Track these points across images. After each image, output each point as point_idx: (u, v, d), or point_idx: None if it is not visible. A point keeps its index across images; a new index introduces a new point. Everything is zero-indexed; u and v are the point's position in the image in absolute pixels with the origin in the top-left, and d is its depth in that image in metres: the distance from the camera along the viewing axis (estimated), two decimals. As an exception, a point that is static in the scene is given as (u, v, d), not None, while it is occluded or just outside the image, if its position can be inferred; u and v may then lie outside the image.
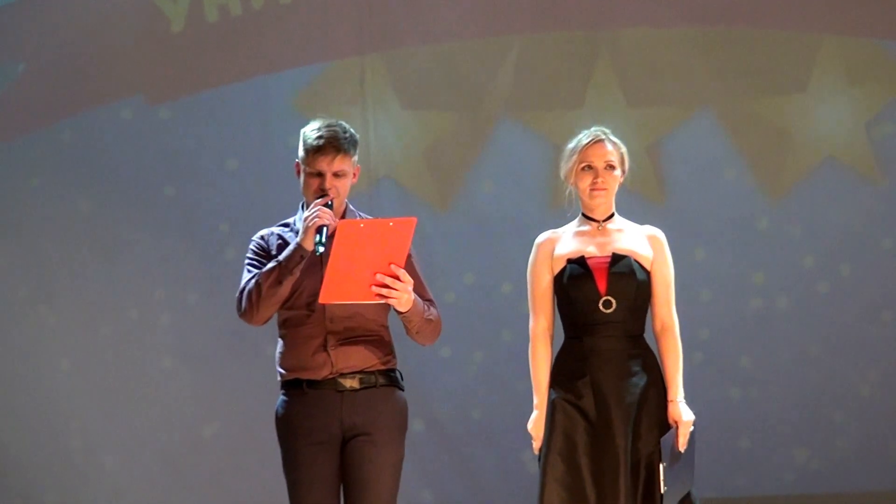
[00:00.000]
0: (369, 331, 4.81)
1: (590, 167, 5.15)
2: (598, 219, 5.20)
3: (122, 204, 8.20)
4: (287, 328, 4.84)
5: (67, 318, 8.19)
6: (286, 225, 4.93)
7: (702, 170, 8.13)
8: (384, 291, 4.60)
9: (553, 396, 5.10)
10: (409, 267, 4.71)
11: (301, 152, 4.82)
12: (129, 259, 8.20)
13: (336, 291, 4.58)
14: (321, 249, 4.62)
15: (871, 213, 8.09)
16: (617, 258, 5.12)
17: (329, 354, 4.77)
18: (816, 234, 8.09)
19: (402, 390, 4.88)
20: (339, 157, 4.77)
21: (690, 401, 5.15)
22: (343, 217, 4.80)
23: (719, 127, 8.15)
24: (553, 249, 5.19)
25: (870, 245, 8.08)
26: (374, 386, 4.80)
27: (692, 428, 5.09)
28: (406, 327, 4.81)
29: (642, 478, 5.00)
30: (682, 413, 5.09)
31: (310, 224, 4.67)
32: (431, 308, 4.84)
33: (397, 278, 4.61)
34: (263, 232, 4.93)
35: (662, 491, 4.97)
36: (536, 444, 5.14)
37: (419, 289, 4.78)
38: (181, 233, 8.20)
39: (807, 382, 8.05)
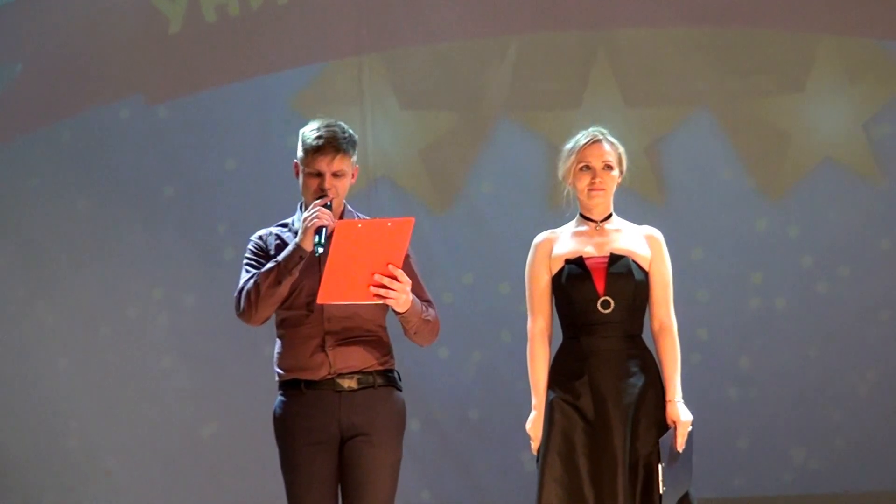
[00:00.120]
0: (367, 331, 4.81)
1: (588, 167, 5.15)
2: (596, 219, 5.20)
3: (121, 204, 8.20)
4: (285, 328, 4.84)
5: (66, 318, 8.18)
6: (284, 225, 4.93)
7: (700, 170, 8.12)
8: (382, 292, 4.60)
9: (551, 396, 5.10)
10: (407, 267, 4.71)
11: (300, 152, 4.82)
12: (127, 259, 8.20)
13: (334, 292, 4.58)
14: (320, 250, 4.62)
15: (870, 213, 8.08)
16: (615, 258, 5.12)
17: (327, 355, 4.77)
18: (815, 234, 8.08)
19: (401, 390, 4.88)
20: (338, 158, 4.78)
21: (689, 401, 5.15)
22: (341, 217, 4.80)
23: (718, 127, 8.14)
24: (551, 249, 5.19)
25: (868, 245, 8.07)
26: (373, 386, 4.80)
27: (690, 428, 5.09)
28: (404, 328, 4.81)
29: (640, 478, 5.00)
30: (681, 413, 5.09)
31: (309, 225, 4.66)
32: (429, 308, 4.84)
33: (395, 278, 4.60)
34: (262, 232, 4.93)
35: (661, 491, 4.97)
36: (535, 444, 5.15)
37: (417, 289, 4.77)
38: (180, 232, 8.19)
39: (805, 382, 8.04)
